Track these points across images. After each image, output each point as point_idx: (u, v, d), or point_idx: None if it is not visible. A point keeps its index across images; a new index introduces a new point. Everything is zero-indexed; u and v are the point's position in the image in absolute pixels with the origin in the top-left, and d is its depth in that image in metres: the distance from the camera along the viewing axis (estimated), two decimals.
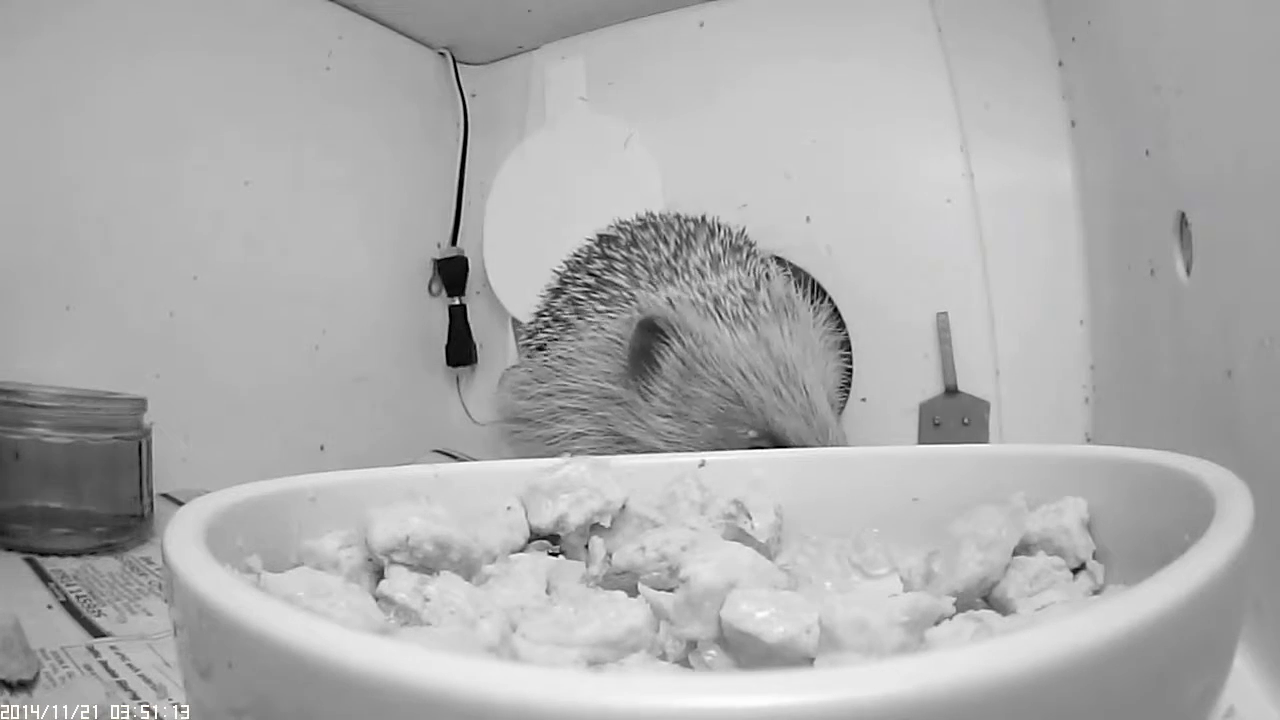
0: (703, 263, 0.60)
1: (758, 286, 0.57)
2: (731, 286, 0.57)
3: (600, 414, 0.58)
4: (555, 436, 0.60)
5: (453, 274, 0.96)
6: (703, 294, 0.56)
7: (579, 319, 0.61)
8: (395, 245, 0.94)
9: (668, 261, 0.61)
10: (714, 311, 0.55)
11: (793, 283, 0.61)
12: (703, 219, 0.66)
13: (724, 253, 0.61)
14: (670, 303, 0.56)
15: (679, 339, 0.54)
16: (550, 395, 0.61)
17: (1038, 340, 0.70)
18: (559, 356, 0.61)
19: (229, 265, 0.77)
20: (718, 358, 0.54)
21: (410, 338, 0.96)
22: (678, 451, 0.54)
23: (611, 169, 0.89)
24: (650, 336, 0.55)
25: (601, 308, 0.61)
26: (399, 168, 0.95)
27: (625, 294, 0.60)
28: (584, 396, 0.58)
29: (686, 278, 0.59)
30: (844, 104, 0.79)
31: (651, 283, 0.59)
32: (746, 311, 0.55)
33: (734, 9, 0.85)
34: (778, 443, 0.53)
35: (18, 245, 0.64)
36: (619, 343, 0.57)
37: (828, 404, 0.54)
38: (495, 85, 1.00)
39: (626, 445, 0.57)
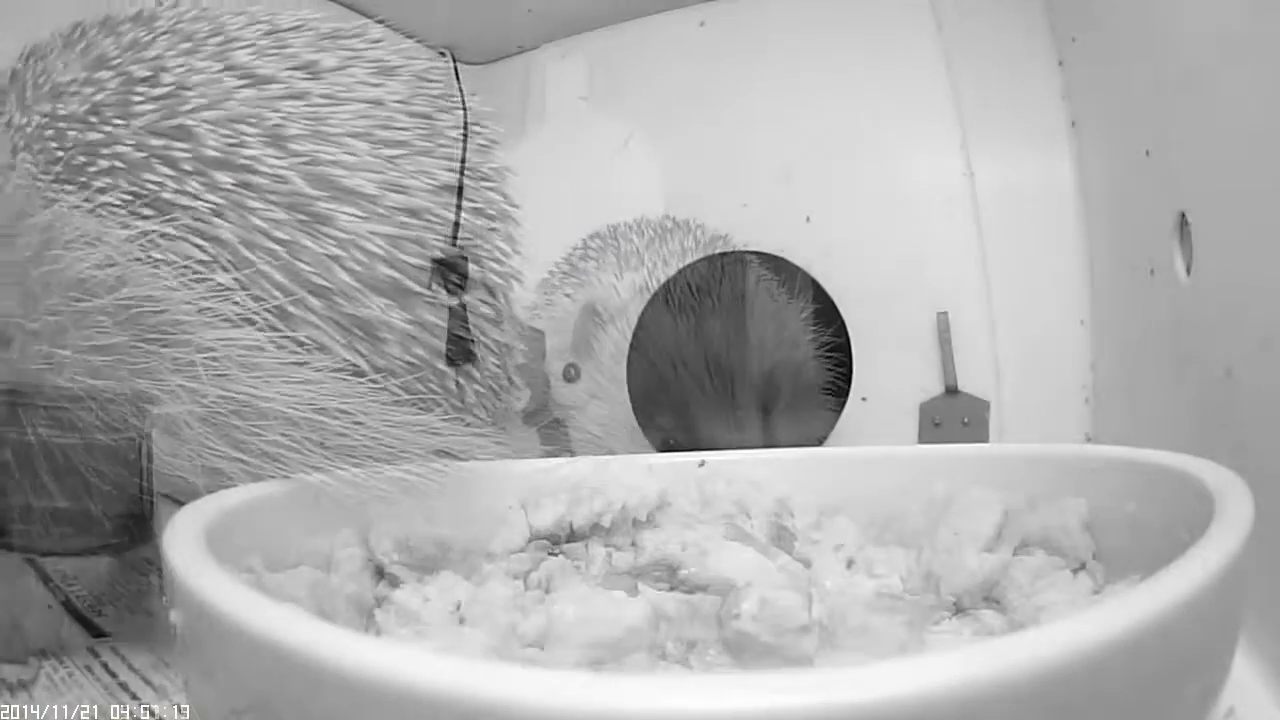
0: (671, 254, 0.62)
1: (719, 280, 0.58)
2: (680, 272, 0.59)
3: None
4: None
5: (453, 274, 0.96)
6: (650, 275, 0.59)
7: (548, 305, 0.64)
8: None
9: (636, 251, 0.63)
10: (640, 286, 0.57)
11: (748, 279, 0.63)
12: (688, 222, 0.67)
13: (696, 248, 0.64)
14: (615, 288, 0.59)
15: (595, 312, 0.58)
16: None
17: (1038, 340, 0.70)
18: None
19: None
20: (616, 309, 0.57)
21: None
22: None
23: (611, 169, 0.89)
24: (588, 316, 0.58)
25: (570, 292, 0.63)
26: None
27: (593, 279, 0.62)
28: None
29: (650, 267, 0.61)
30: (844, 104, 0.79)
31: (619, 271, 0.60)
32: (687, 298, 0.57)
33: (734, 9, 0.85)
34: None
35: None
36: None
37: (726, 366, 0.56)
38: (495, 85, 1.00)
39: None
